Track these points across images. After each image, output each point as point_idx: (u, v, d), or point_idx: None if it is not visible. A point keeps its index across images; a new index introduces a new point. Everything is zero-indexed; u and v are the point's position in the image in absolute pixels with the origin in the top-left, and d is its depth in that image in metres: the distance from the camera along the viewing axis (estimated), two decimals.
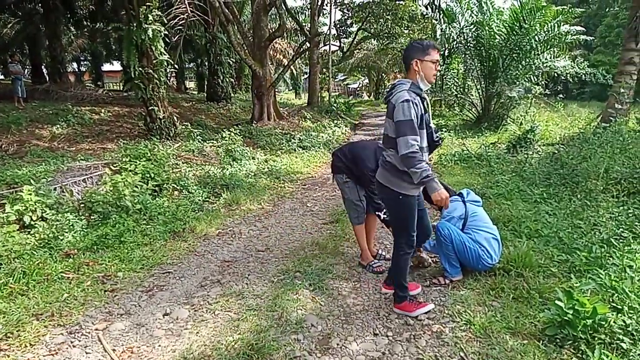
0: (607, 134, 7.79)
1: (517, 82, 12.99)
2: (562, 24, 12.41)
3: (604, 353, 2.38)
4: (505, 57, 12.83)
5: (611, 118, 9.00)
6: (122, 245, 4.43)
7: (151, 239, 4.67)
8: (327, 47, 24.56)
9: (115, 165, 6.56)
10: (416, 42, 2.89)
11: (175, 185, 6.38)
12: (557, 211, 4.88)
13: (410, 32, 21.45)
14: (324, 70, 25.43)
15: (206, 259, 4.31)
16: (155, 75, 9.51)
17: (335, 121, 16.86)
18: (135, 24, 8.97)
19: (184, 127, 10.46)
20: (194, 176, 7.01)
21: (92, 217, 4.99)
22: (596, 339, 2.52)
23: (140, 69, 9.21)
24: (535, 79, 13.91)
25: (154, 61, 9.38)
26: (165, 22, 9.72)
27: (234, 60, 20.04)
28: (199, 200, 6.09)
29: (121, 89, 21.40)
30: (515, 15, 12.09)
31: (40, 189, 5.01)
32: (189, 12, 11.09)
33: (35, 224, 4.51)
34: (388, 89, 2.99)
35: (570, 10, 12.30)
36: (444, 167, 8.52)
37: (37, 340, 2.85)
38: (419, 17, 20.52)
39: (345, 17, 24.78)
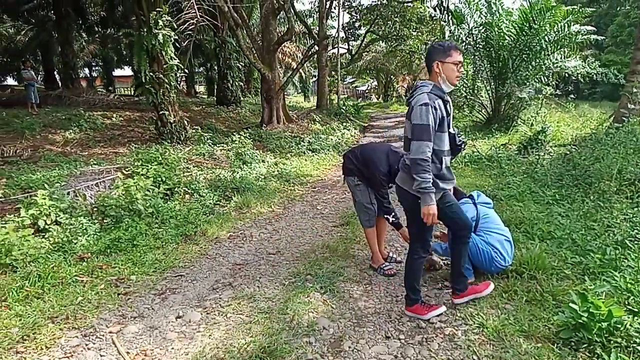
0: (619, 134, 7.69)
1: (527, 83, 12.88)
2: (572, 23, 12.28)
3: (621, 356, 2.35)
4: (515, 58, 12.73)
5: (624, 118, 8.88)
6: (134, 248, 4.48)
7: (163, 242, 4.71)
8: (335, 50, 24.60)
9: (127, 169, 6.63)
10: (438, 43, 2.86)
11: (187, 189, 6.43)
12: (569, 213, 4.82)
13: (419, 33, 21.42)
14: (333, 73, 25.45)
15: (218, 262, 4.33)
16: (166, 80, 9.59)
17: (344, 124, 16.86)
18: (145, 30, 9.07)
19: (194, 131, 10.54)
20: (204, 179, 7.05)
21: (105, 221, 5.05)
22: (612, 342, 2.49)
23: (150, 73, 9.30)
24: (546, 80, 13.77)
25: (165, 66, 9.46)
26: (175, 27, 9.80)
27: (243, 64, 20.17)
28: (210, 203, 6.12)
29: (132, 93, 21.62)
30: (524, 16, 11.99)
31: (54, 193, 5.09)
32: (199, 17, 11.15)
33: (49, 228, 4.58)
34: (411, 90, 2.96)
35: (580, 10, 12.16)
36: (454, 168, 8.42)
37: (52, 343, 2.89)
38: (428, 18, 20.48)
39: (354, 19, 24.81)
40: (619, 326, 2.52)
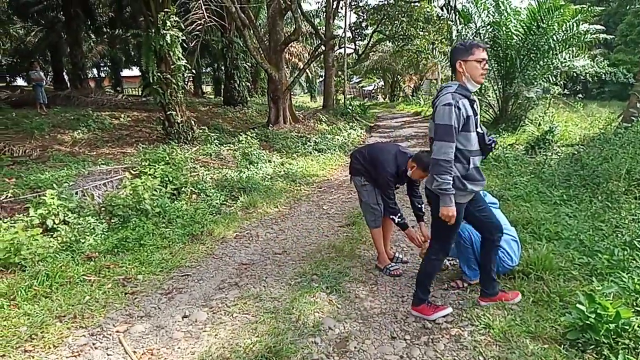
0: (628, 134, 7.60)
1: (535, 83, 12.78)
2: (581, 22, 12.16)
3: (628, 358, 2.33)
4: (522, 57, 12.64)
5: (633, 118, 8.78)
6: (141, 248, 4.51)
7: (170, 242, 4.74)
8: (342, 50, 24.58)
9: (134, 169, 6.67)
10: (460, 43, 2.84)
11: (193, 189, 6.46)
12: (577, 213, 4.79)
13: (426, 33, 21.35)
14: (339, 73, 25.43)
15: (224, 262, 4.35)
16: (173, 80, 9.63)
17: (351, 124, 16.83)
18: (153, 30, 9.11)
19: (201, 131, 10.58)
20: (211, 179, 7.08)
21: (112, 221, 5.09)
22: (619, 343, 2.47)
23: (158, 74, 9.34)
24: (554, 79, 13.66)
25: (172, 66, 9.51)
26: (183, 27, 9.84)
27: (250, 65, 20.20)
28: (217, 203, 6.15)
29: (140, 94, 21.77)
30: (532, 15, 11.89)
31: (63, 193, 5.14)
32: (206, 17, 11.21)
33: (57, 227, 4.62)
34: (437, 92, 2.93)
35: (589, 9, 12.03)
36: None
37: (60, 341, 2.92)
38: (435, 18, 20.41)
39: (360, 19, 24.82)
40: (627, 327, 2.50)
